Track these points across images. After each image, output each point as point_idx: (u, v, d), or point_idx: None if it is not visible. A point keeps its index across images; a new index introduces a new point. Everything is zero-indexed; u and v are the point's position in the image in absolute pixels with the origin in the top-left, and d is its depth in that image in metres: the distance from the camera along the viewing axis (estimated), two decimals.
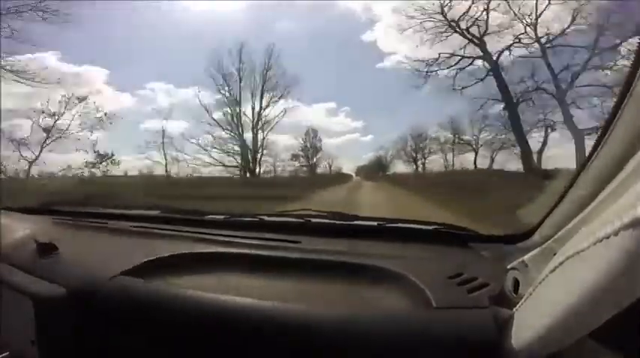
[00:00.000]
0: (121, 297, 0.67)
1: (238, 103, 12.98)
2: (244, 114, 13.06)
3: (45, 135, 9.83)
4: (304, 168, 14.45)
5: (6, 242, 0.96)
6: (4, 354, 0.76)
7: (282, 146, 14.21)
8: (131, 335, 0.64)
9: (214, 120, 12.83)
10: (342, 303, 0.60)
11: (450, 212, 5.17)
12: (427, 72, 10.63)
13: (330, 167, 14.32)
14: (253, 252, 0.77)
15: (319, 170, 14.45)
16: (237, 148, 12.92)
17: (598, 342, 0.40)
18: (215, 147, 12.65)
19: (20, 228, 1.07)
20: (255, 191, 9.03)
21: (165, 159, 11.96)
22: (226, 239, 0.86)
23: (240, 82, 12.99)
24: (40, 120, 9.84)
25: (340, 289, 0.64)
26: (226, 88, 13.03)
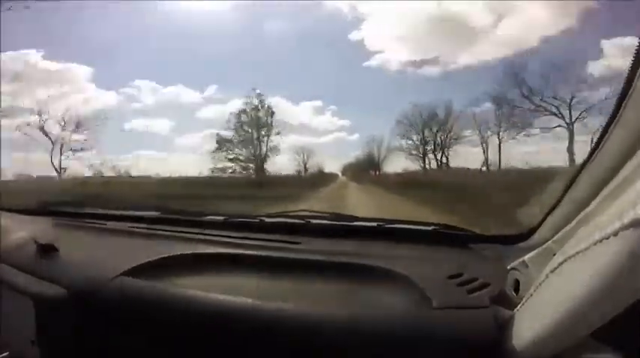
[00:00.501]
0: (121, 298, 0.67)
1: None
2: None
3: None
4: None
5: (6, 243, 0.96)
6: (4, 354, 0.76)
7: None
8: (131, 335, 0.64)
9: None
10: (342, 304, 0.60)
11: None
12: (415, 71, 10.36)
13: (304, 164, 10.68)
14: (253, 252, 0.77)
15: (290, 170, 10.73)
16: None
17: (598, 342, 0.40)
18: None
19: (20, 229, 1.07)
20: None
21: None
22: (226, 240, 0.86)
23: None
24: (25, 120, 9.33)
25: (340, 290, 0.64)
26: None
